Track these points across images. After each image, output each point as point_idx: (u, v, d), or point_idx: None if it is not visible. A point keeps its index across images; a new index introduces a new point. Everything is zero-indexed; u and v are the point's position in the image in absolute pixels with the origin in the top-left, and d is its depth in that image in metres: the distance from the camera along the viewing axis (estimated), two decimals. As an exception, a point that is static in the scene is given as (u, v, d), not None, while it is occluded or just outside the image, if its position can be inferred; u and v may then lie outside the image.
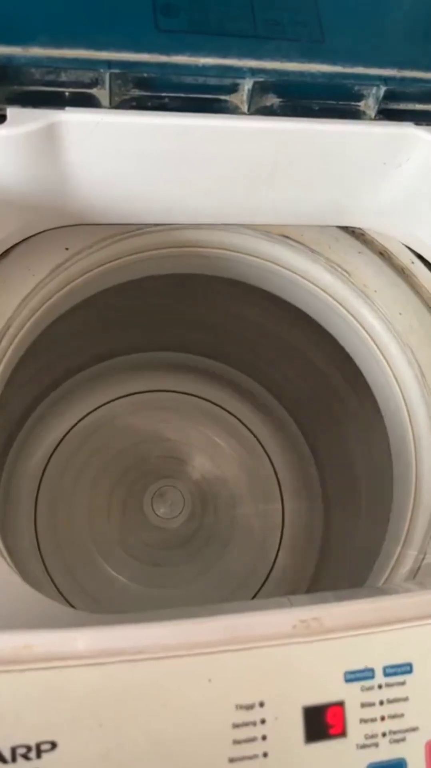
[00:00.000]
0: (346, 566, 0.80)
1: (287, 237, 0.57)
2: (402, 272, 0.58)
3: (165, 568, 0.88)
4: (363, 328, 0.58)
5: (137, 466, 0.91)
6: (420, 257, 0.59)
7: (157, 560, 0.88)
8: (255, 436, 0.96)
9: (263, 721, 0.34)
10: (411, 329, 0.57)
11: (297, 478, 0.94)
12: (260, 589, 0.91)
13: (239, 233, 0.56)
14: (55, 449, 0.89)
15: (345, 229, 0.59)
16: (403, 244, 0.59)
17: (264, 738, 0.34)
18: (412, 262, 0.58)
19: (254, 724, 0.34)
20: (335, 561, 0.85)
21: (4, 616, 0.39)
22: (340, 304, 0.58)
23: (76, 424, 0.91)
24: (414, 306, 0.58)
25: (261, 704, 0.34)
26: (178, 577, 0.88)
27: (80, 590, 0.83)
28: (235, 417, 0.96)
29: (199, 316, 0.82)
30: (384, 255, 0.59)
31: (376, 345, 0.58)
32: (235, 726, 0.34)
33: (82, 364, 0.89)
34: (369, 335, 0.58)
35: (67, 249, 0.52)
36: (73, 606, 0.81)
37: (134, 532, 0.88)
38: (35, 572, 0.82)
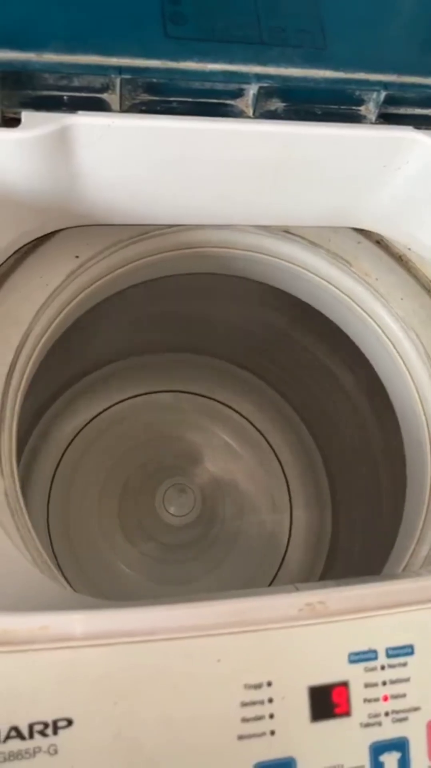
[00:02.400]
0: (355, 567, 0.81)
1: (287, 232, 0.59)
2: (400, 259, 0.61)
3: (173, 565, 0.89)
4: (367, 313, 0.60)
5: (150, 464, 0.92)
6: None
7: (166, 557, 0.89)
8: (266, 439, 0.97)
9: (270, 700, 0.35)
10: (414, 312, 0.59)
11: (307, 482, 0.95)
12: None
13: (241, 231, 0.58)
14: (66, 447, 0.90)
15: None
16: (405, 246, 0.60)
17: (271, 716, 0.35)
18: (409, 249, 0.60)
19: (262, 703, 0.35)
20: (344, 562, 0.86)
21: (22, 603, 0.40)
22: (346, 295, 0.60)
23: (90, 421, 0.92)
24: (413, 290, 0.60)
25: (269, 684, 0.35)
26: (187, 575, 0.89)
27: (91, 585, 0.84)
28: (247, 420, 0.97)
29: (212, 317, 0.83)
30: (380, 243, 0.61)
31: (381, 330, 0.60)
32: (244, 705, 0.35)
33: (100, 362, 0.90)
34: (373, 321, 0.60)
35: (77, 257, 0.53)
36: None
37: (144, 529, 0.89)
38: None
